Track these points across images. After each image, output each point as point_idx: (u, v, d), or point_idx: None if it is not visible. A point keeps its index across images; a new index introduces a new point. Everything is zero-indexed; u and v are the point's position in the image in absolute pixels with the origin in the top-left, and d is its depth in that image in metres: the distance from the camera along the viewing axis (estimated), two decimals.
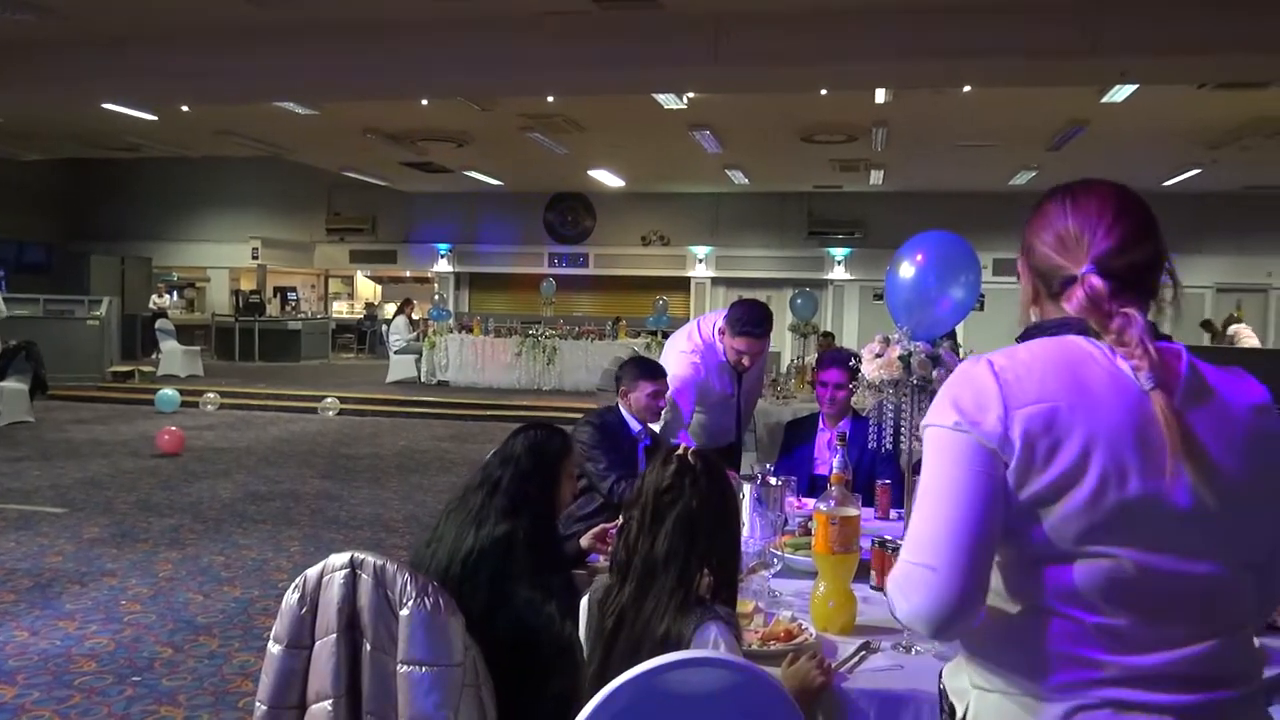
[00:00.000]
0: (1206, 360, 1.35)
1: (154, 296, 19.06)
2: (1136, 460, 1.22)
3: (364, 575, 2.01)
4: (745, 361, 3.98)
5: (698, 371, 4.05)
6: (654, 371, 3.75)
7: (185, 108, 11.54)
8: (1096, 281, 1.31)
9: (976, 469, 1.24)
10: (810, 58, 7.97)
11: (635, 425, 3.69)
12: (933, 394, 2.73)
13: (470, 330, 15.41)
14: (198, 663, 4.03)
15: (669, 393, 3.79)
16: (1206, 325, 15.86)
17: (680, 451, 1.97)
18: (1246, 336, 14.69)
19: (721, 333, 4.03)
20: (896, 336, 2.62)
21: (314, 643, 2.04)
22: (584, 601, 2.00)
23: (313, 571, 2.06)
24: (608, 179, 17.97)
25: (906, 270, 2.75)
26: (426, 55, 8.50)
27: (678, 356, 4.10)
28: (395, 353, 15.46)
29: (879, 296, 20.03)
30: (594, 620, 1.93)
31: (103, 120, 12.39)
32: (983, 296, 15.53)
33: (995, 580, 1.29)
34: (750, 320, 3.92)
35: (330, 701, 2.01)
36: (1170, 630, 1.23)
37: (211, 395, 12.70)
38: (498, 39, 8.16)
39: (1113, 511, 1.21)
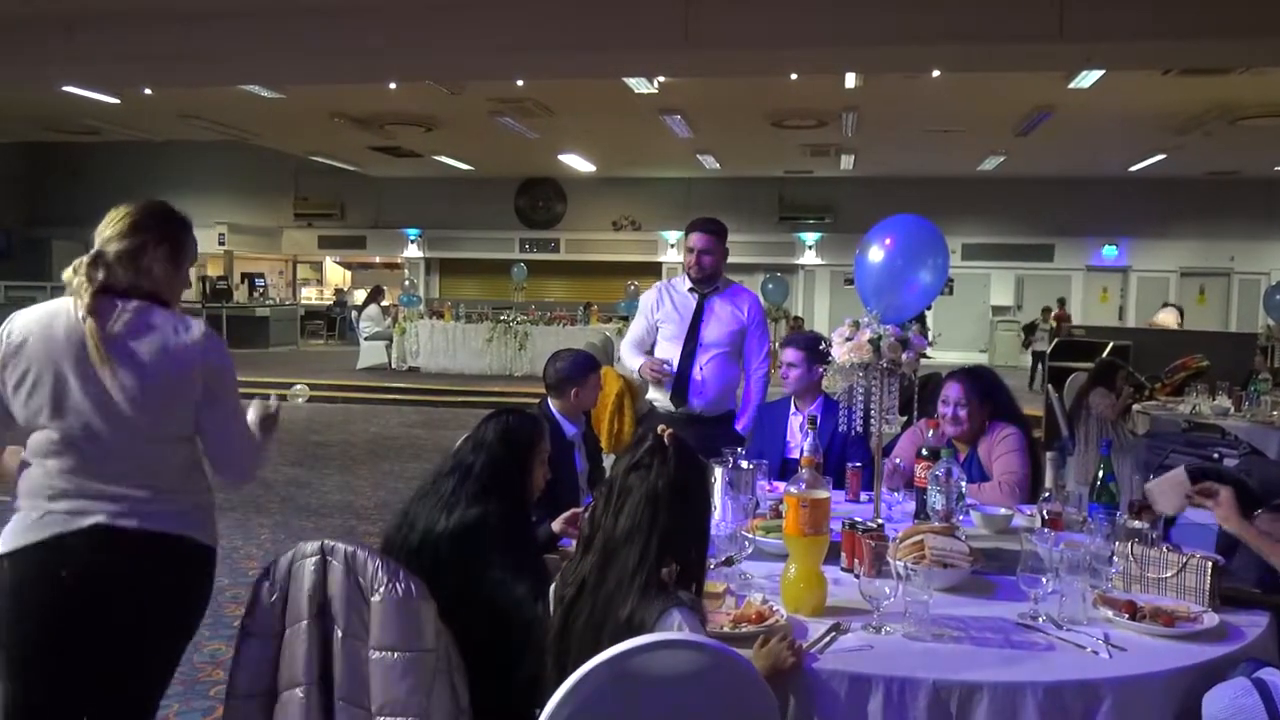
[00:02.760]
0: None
1: None
2: (72, 365, 2.04)
3: (334, 562, 2.01)
4: (697, 259, 4.10)
5: (659, 294, 4.26)
6: (595, 362, 3.78)
7: (148, 90, 11.33)
8: None
9: None
10: (780, 41, 7.96)
11: (570, 427, 3.62)
12: (902, 376, 2.76)
13: (441, 316, 15.32)
14: None
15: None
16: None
17: (659, 431, 1.97)
18: (1163, 319, 15.37)
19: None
20: (866, 320, 2.63)
21: (285, 630, 2.04)
22: (554, 585, 2.00)
23: (283, 559, 2.06)
24: (578, 164, 17.91)
25: (875, 254, 2.77)
26: (393, 37, 8.38)
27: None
28: (365, 339, 15.35)
29: (850, 281, 20.13)
30: (557, 590, 1.94)
31: (63, 103, 12.16)
32: (951, 280, 15.69)
33: None
34: (699, 220, 4.19)
35: (302, 689, 2.01)
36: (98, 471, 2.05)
37: None
38: (466, 21, 8.08)
39: (52, 398, 2.04)
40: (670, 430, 1.99)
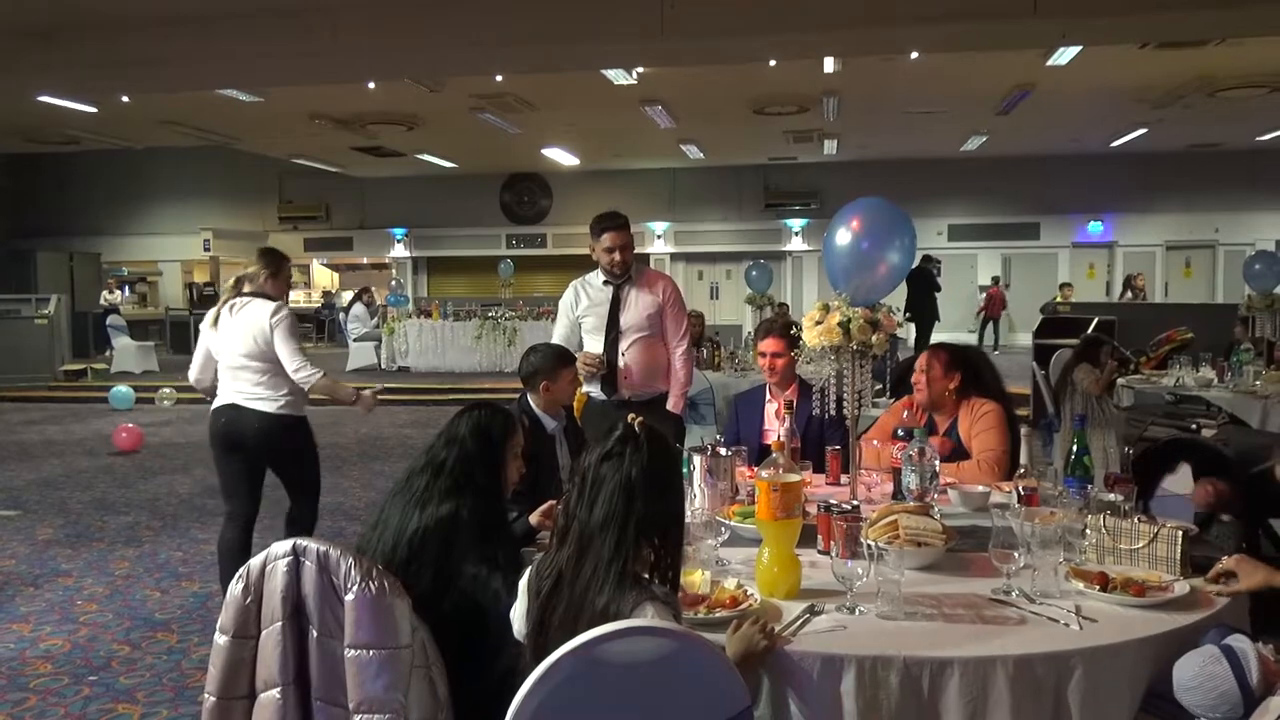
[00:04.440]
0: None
1: (104, 292, 18.70)
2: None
3: (307, 562, 2.01)
4: (618, 256, 4.17)
5: (575, 292, 4.38)
6: (569, 356, 3.82)
7: (125, 98, 11.27)
8: None
9: None
10: (757, 27, 7.95)
11: (550, 421, 3.66)
12: (874, 358, 2.77)
13: (429, 315, 15.30)
14: (156, 659, 4.00)
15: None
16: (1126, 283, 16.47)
17: (629, 420, 1.96)
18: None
19: (592, 249, 4.29)
20: (835, 303, 2.64)
21: (260, 632, 2.04)
22: (525, 574, 2.00)
23: (255, 561, 2.05)
24: (562, 157, 17.86)
25: (843, 236, 2.78)
26: (370, 36, 8.36)
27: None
28: (354, 340, 15.33)
29: None
30: (532, 584, 1.94)
31: (40, 113, 12.08)
32: (939, 262, 15.67)
33: None
34: (602, 216, 4.26)
35: (278, 689, 2.00)
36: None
37: (167, 390, 12.49)
38: (441, 17, 8.05)
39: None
40: (640, 418, 1.99)
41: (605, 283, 4.30)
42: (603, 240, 4.21)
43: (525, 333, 14.36)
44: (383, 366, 14.86)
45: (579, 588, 1.81)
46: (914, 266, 16.81)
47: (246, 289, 4.24)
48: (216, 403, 4.27)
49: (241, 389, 4.19)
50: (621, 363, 4.19)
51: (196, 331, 15.50)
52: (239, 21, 8.28)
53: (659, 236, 20.10)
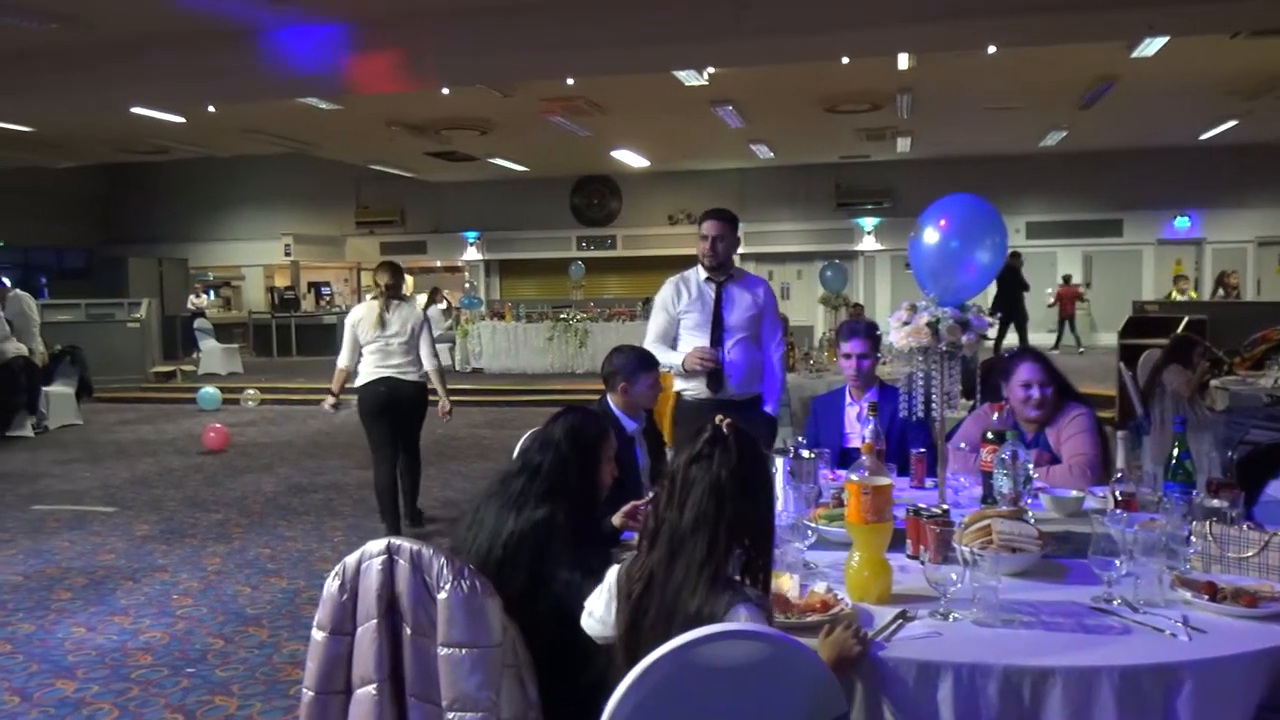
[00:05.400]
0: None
1: (191, 296, 19.35)
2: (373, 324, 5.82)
3: (401, 561, 2.05)
4: (710, 246, 4.19)
5: (675, 288, 4.34)
6: (651, 360, 3.82)
7: (211, 108, 11.66)
8: None
9: None
10: (831, 25, 7.87)
11: (630, 423, 3.66)
12: (962, 359, 2.72)
13: (502, 317, 15.49)
14: (248, 653, 4.12)
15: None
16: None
17: (717, 421, 1.94)
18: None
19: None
20: (923, 303, 2.59)
21: (356, 628, 2.08)
22: (612, 572, 2.00)
23: (351, 559, 2.10)
24: (631, 159, 17.92)
25: (930, 236, 2.73)
26: (445, 43, 8.50)
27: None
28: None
29: (910, 266, 19.84)
30: (622, 585, 1.94)
31: (132, 125, 12.57)
32: (1021, 258, 15.17)
33: None
34: (711, 209, 4.31)
35: (374, 685, 2.05)
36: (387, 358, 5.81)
37: (251, 391, 12.89)
38: (515, 22, 8.15)
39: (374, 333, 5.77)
40: (729, 420, 1.97)
41: (707, 280, 4.28)
42: (702, 228, 4.24)
43: (596, 334, 14.44)
44: (456, 368, 15.08)
45: (670, 590, 1.81)
46: (1003, 265, 16.52)
47: (387, 293, 5.82)
48: (368, 378, 5.74)
49: (397, 365, 5.74)
50: (730, 360, 4.18)
51: (278, 334, 16.23)
52: (318, 32, 8.50)
53: None
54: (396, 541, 2.06)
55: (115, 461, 8.89)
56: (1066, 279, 17.51)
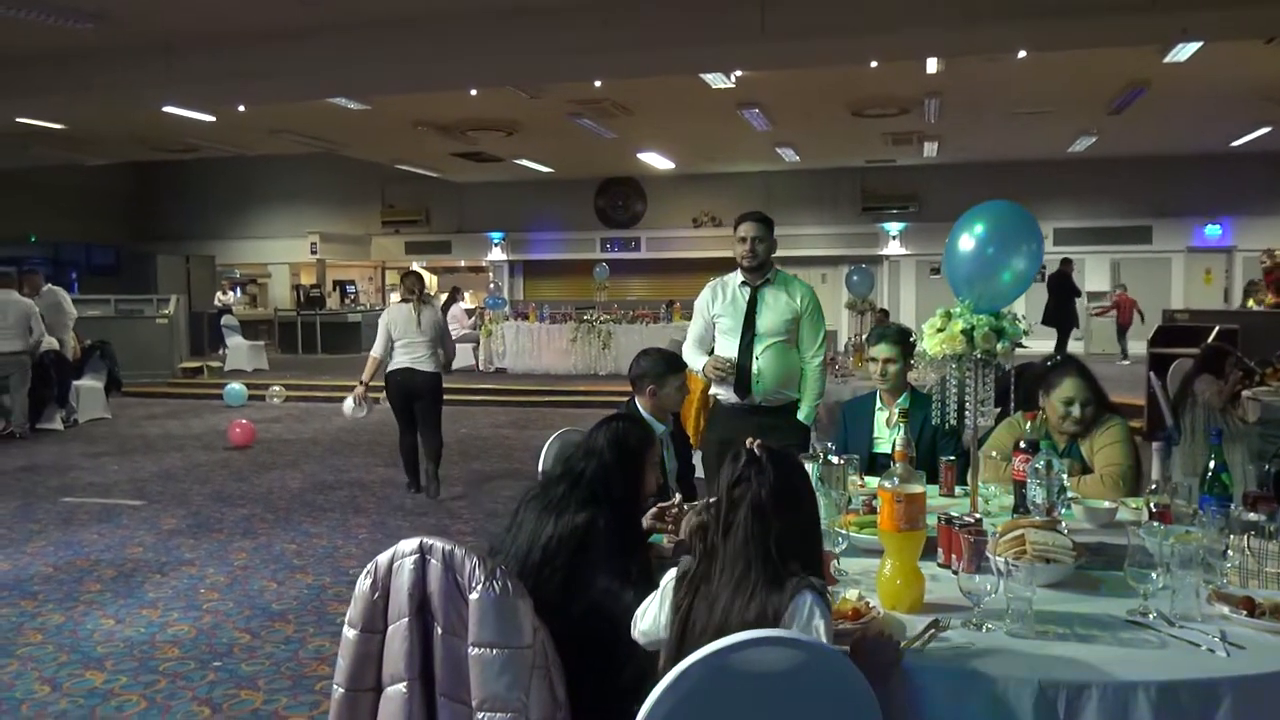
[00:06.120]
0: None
1: (218, 293, 19.53)
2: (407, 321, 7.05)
3: (433, 560, 2.06)
4: (749, 247, 4.14)
5: (712, 291, 4.35)
6: (679, 363, 3.82)
7: (241, 108, 11.76)
8: None
9: None
10: (859, 28, 7.85)
11: (657, 426, 3.66)
12: (997, 367, 2.69)
13: (526, 317, 15.53)
14: (274, 648, 4.15)
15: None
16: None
17: (748, 444, 2.01)
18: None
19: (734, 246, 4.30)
20: (958, 310, 2.57)
21: (387, 627, 2.09)
22: (665, 582, 2.01)
23: (383, 557, 2.11)
24: (657, 161, 17.92)
25: (966, 242, 2.70)
26: (474, 45, 8.55)
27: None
28: (453, 341, 15.63)
29: (935, 271, 19.66)
30: (674, 600, 1.95)
31: (162, 123, 12.70)
32: (1043, 268, 15.14)
33: None
34: (748, 211, 4.29)
35: (404, 684, 2.06)
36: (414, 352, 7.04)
37: (277, 388, 12.99)
38: (545, 25, 8.18)
39: (404, 332, 7.05)
40: (758, 440, 2.03)
41: (743, 284, 4.25)
42: (739, 230, 4.20)
43: (620, 336, 14.45)
44: (480, 367, 15.14)
45: (720, 608, 1.83)
46: (1055, 271, 15.87)
47: (412, 295, 7.09)
48: (396, 367, 6.94)
49: (419, 357, 6.92)
50: (755, 367, 4.12)
51: (304, 331, 16.69)
52: (348, 33, 8.56)
53: None
54: (429, 541, 2.07)
55: (143, 456, 8.99)
56: (1123, 288, 17.23)
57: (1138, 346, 13.85)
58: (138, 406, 12.47)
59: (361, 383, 7.00)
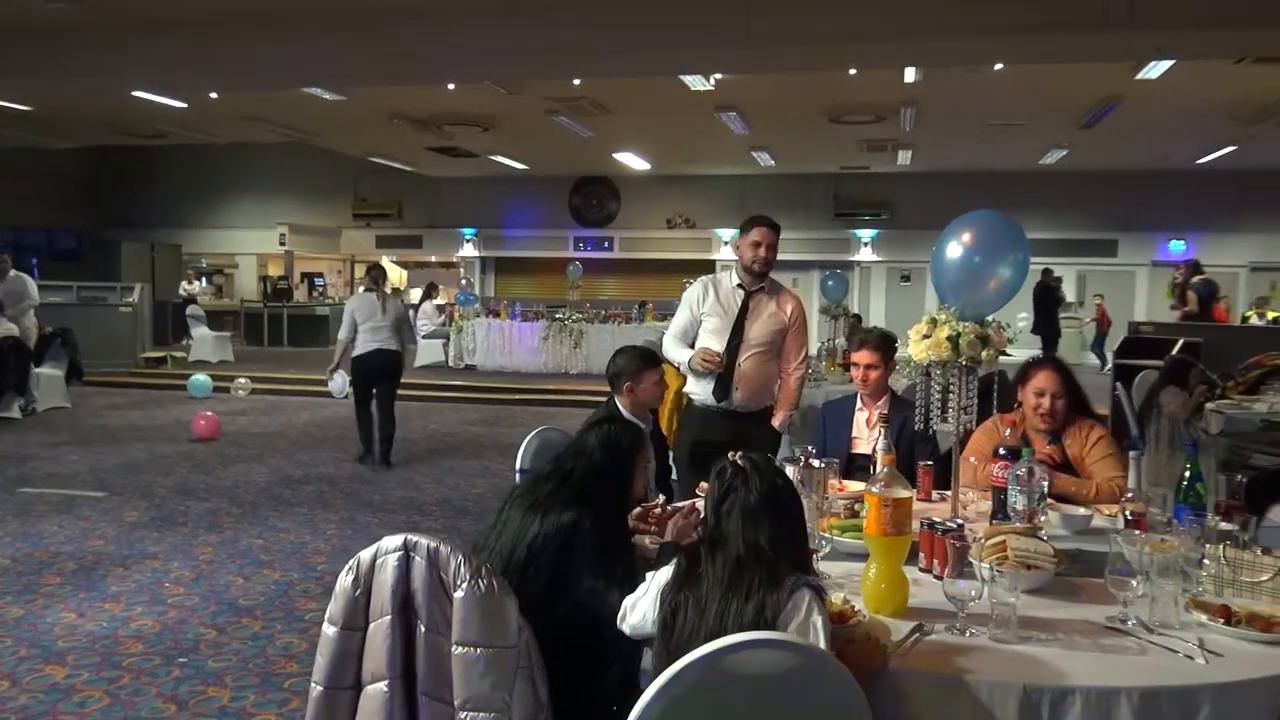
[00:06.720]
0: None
1: (184, 283, 19.22)
2: (371, 308, 7.98)
3: (417, 558, 2.03)
4: (763, 253, 4.11)
5: (705, 288, 4.31)
6: (654, 358, 3.82)
7: (214, 94, 11.59)
8: None
9: None
10: (841, 36, 7.88)
11: (638, 424, 3.65)
12: (984, 375, 2.71)
13: (497, 314, 15.45)
14: (242, 644, 4.08)
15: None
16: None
17: (730, 457, 2.03)
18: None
19: (737, 247, 4.26)
20: (943, 317, 2.59)
21: (368, 624, 2.06)
22: (658, 578, 2.00)
23: (366, 554, 2.08)
24: (633, 162, 17.92)
25: (954, 250, 2.72)
26: (454, 39, 8.47)
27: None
28: (423, 337, 15.53)
29: (906, 278, 19.85)
30: (666, 602, 1.94)
31: (132, 108, 12.48)
32: (1060, 277, 15.11)
33: None
34: (760, 216, 4.22)
35: (385, 682, 2.03)
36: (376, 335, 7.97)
37: (243, 380, 12.81)
38: (526, 22, 8.13)
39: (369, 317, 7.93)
40: (740, 452, 2.06)
41: (738, 286, 4.23)
42: (751, 234, 4.14)
43: (592, 335, 14.42)
44: (450, 364, 15.04)
45: (713, 611, 1.84)
46: (1037, 282, 16.06)
47: (376, 285, 8.03)
48: (363, 350, 7.73)
49: (384, 340, 7.73)
50: (740, 371, 4.12)
51: (270, 323, 16.77)
52: (327, 22, 8.46)
53: (726, 243, 20.01)
54: (414, 538, 2.04)
55: (104, 446, 8.82)
56: (1101, 297, 17.52)
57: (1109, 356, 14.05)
58: (99, 396, 12.25)
59: (333, 365, 8.14)
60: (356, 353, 7.73)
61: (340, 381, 8.30)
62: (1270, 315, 14.59)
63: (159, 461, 8.14)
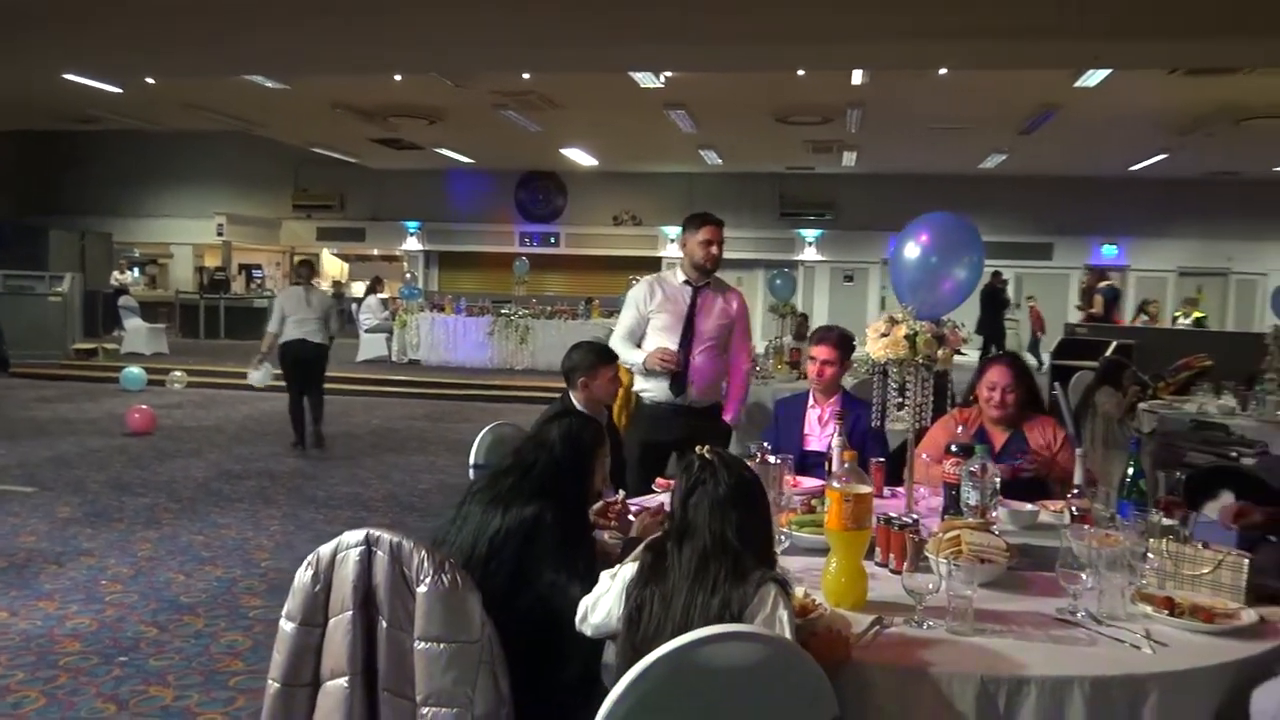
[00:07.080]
0: None
1: (115, 273, 18.67)
2: (298, 301, 8.34)
3: (379, 552, 2.00)
4: (714, 250, 4.16)
5: (650, 287, 4.31)
6: (610, 354, 3.83)
7: (150, 80, 11.27)
8: None
9: None
10: (788, 37, 7.95)
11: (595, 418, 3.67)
12: (939, 373, 2.76)
13: (441, 309, 15.28)
14: (184, 642, 3.98)
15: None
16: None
17: (699, 451, 2.03)
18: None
19: (684, 244, 4.27)
20: (901, 315, 2.63)
21: (328, 620, 2.03)
22: (620, 574, 2.00)
23: (326, 549, 2.05)
24: (580, 158, 17.87)
25: (911, 250, 2.77)
26: (401, 28, 8.35)
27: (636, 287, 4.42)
28: (365, 331, 15.31)
29: (849, 278, 20.14)
30: (631, 597, 1.94)
31: (63, 91, 12.06)
32: (1006, 280, 15.40)
33: None
34: (700, 213, 4.27)
35: (345, 679, 2.00)
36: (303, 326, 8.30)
37: (178, 374, 12.48)
38: (473, 13, 8.05)
39: (297, 310, 8.34)
40: (707, 445, 2.07)
41: (685, 283, 4.25)
42: (701, 233, 4.18)
43: (538, 331, 14.35)
44: (393, 359, 14.84)
45: (679, 604, 1.84)
46: (985, 284, 16.49)
47: (301, 279, 8.57)
48: (289, 339, 8.05)
49: (309, 331, 8.09)
50: (695, 366, 4.16)
51: (206, 315, 16.60)
52: (270, 7, 8.27)
53: (672, 241, 20.06)
54: (376, 532, 2.02)
55: (33, 440, 8.54)
56: (1033, 299, 17.98)
57: (1032, 357, 14.44)
58: (26, 388, 11.84)
59: (261, 352, 8.46)
60: (283, 340, 8.10)
61: (262, 373, 8.80)
62: (1195, 315, 15.11)
63: (91, 456, 7.90)
